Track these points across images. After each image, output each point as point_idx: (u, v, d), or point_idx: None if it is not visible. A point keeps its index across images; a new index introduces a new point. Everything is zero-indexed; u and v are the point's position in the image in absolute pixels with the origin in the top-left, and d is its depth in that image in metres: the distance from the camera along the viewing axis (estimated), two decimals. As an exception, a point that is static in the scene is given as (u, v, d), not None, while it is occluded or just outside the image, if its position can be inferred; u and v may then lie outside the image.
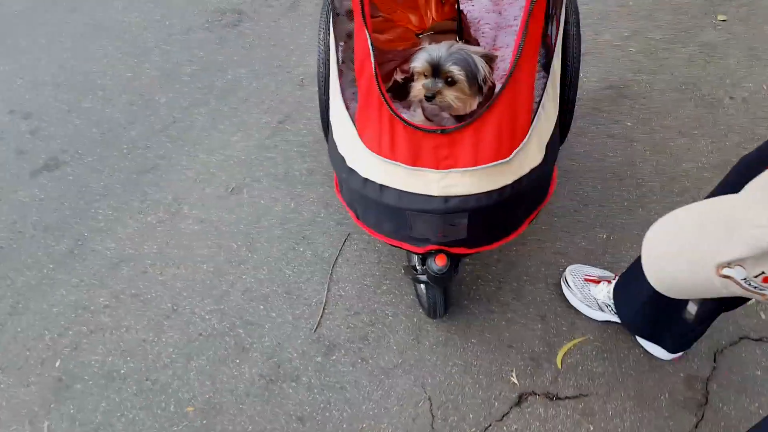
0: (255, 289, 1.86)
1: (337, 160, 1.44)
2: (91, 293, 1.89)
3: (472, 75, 1.33)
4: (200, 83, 2.55)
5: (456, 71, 1.32)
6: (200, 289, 1.87)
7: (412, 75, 1.43)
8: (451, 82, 1.34)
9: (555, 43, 1.45)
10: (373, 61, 1.28)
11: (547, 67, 1.45)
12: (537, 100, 1.38)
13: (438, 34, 1.55)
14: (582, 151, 2.14)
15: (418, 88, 1.37)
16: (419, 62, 1.35)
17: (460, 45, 1.39)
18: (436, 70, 1.33)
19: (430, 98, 1.34)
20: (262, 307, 1.83)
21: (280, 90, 2.50)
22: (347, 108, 1.41)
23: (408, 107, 1.65)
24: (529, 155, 1.33)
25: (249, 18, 2.86)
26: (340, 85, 1.45)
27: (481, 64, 1.34)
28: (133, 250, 2.00)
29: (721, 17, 2.55)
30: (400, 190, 1.31)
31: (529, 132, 1.31)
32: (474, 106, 1.38)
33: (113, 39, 2.82)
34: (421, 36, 1.58)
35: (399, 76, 1.60)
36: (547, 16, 1.34)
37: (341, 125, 1.42)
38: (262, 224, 2.03)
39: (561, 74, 1.56)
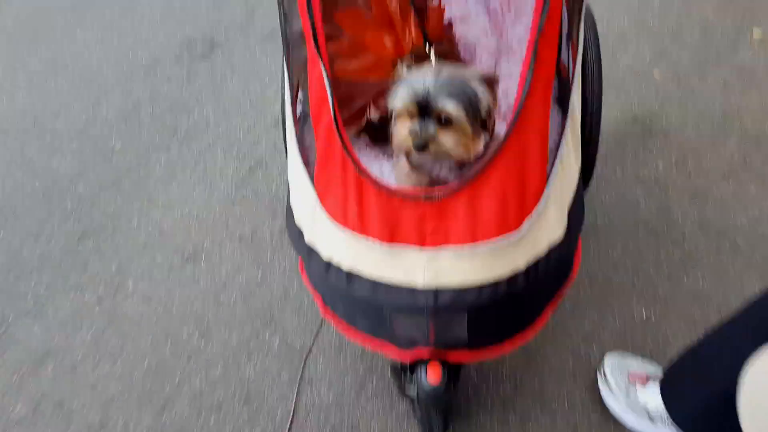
0: (206, 394, 1.38)
1: (293, 234, 1.01)
2: (5, 402, 1.42)
3: (473, 109, 0.93)
4: (162, 125, 2.09)
5: (452, 108, 0.91)
6: (138, 394, 1.39)
7: (391, 113, 1.03)
8: (446, 123, 0.93)
9: (573, 72, 1.01)
10: (331, 101, 0.85)
11: (562, 103, 1.02)
12: (552, 146, 0.95)
13: (421, 60, 1.12)
14: (607, 200, 1.65)
15: (402, 135, 0.96)
16: (400, 99, 0.94)
17: (450, 68, 0.97)
18: (424, 108, 0.92)
19: (421, 148, 0.94)
20: (213, 420, 1.34)
21: (254, 130, 2.03)
22: (306, 163, 0.96)
23: (390, 155, 1.19)
24: (547, 226, 0.91)
25: (222, 48, 2.39)
26: (296, 132, 1.01)
27: (483, 91, 0.93)
28: (62, 339, 1.53)
29: (757, 34, 2.07)
30: (375, 280, 0.89)
31: (545, 193, 0.89)
32: (480, 149, 0.98)
33: (71, 77, 2.36)
34: (399, 64, 1.13)
35: (374, 115, 1.15)
36: (560, 37, 0.89)
37: (298, 187, 1.00)
38: (220, 302, 1.55)
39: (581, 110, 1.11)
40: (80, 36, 2.57)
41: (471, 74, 0.97)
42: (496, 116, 1.19)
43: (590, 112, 1.31)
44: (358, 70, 1.16)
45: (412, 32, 1.15)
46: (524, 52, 1.28)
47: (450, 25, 1.31)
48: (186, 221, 1.77)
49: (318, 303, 1.12)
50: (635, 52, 2.07)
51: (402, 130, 0.97)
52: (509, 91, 1.18)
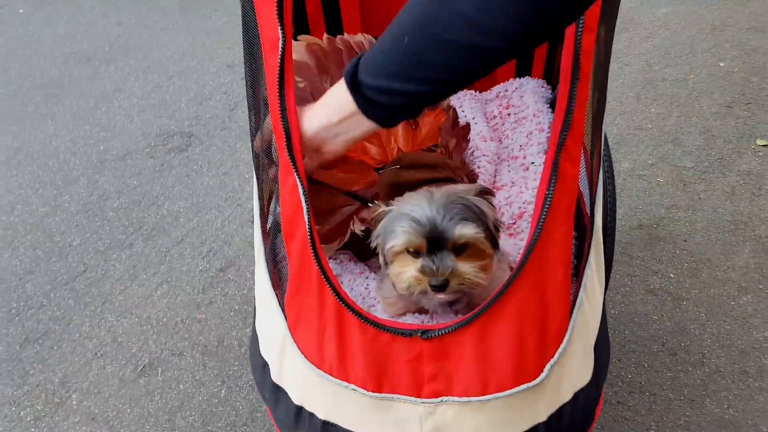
0: None
1: (257, 366, 0.96)
2: None
3: (484, 225, 0.90)
4: (127, 220, 2.12)
5: (470, 231, 0.86)
6: None
7: (383, 251, 0.98)
8: (459, 250, 0.88)
9: (596, 185, 1.02)
10: (306, 216, 0.84)
11: (578, 221, 1.01)
12: (572, 271, 0.91)
13: (406, 169, 1.11)
14: (617, 313, 1.67)
15: (409, 277, 0.89)
16: (403, 235, 0.88)
17: (444, 188, 0.94)
18: (436, 240, 0.86)
19: (442, 287, 0.87)
20: None
21: (227, 228, 2.07)
22: (275, 285, 0.95)
23: (376, 270, 1.19)
24: (572, 368, 0.85)
25: (200, 142, 2.51)
26: (265, 247, 1.00)
27: (484, 204, 0.91)
28: (-16, 466, 1.44)
29: (761, 142, 2.22)
30: None
31: (569, 330, 0.84)
32: (496, 268, 0.95)
33: (34, 166, 2.44)
34: (382, 171, 1.16)
35: (358, 227, 1.15)
36: (583, 148, 0.90)
37: (265, 311, 0.95)
38: (176, 424, 1.48)
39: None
40: (50, 125, 2.69)
41: (465, 189, 0.95)
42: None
43: (606, 227, 1.29)
44: (339, 179, 1.17)
45: (399, 139, 1.20)
46: (526, 157, 1.37)
47: (452, 128, 1.32)
48: (143, 327, 1.74)
49: None
50: (635, 157, 2.21)
51: (407, 271, 0.90)
52: (512, 200, 1.23)
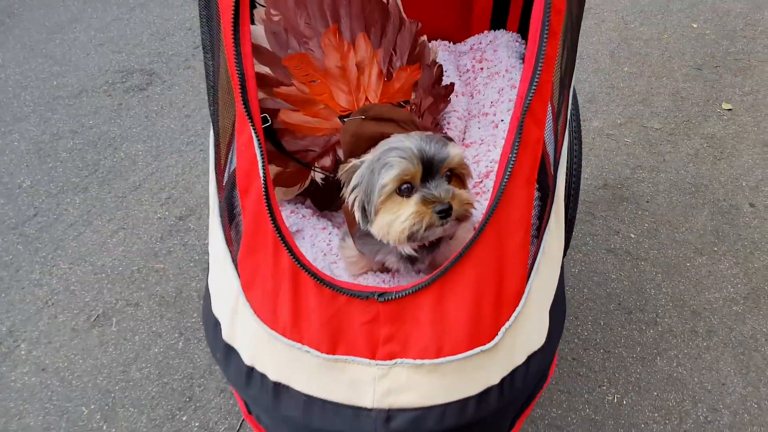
0: (103, 488, 1.25)
1: (208, 324, 0.91)
2: None
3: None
4: (81, 162, 2.00)
5: (460, 152, 0.89)
6: (17, 488, 1.24)
7: (335, 170, 0.96)
8: (449, 178, 0.89)
9: (559, 148, 0.97)
10: (262, 172, 0.77)
11: (542, 182, 0.97)
12: (532, 232, 0.88)
13: (370, 120, 1.05)
14: (577, 272, 1.66)
15: (412, 213, 0.87)
16: (395, 167, 0.85)
17: (411, 133, 0.92)
18: (428, 167, 0.86)
19: (447, 212, 0.86)
20: None
21: (188, 173, 1.96)
22: (229, 241, 0.88)
23: (340, 226, 1.13)
24: (527, 332, 0.83)
25: (161, 81, 2.35)
26: (219, 200, 0.92)
27: (454, 146, 0.90)
28: (-72, 415, 1.36)
29: (726, 106, 2.21)
30: (308, 396, 0.78)
31: (525, 293, 0.82)
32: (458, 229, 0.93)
33: (-20, 100, 2.26)
34: (346, 119, 1.09)
35: (318, 176, 1.09)
36: (548, 113, 0.84)
37: (218, 268, 0.89)
38: (131, 376, 1.43)
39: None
40: (0, 55, 2.49)
41: (428, 135, 0.92)
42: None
43: (570, 188, 1.27)
44: (303, 121, 1.11)
45: (372, 88, 1.12)
46: (496, 114, 1.30)
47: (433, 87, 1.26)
48: (98, 276, 1.65)
49: (240, 405, 1.02)
50: (605, 116, 2.17)
51: (404, 211, 0.87)
52: (480, 158, 1.17)
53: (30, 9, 2.76)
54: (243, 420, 1.35)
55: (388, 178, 0.85)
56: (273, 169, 1.12)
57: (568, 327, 1.54)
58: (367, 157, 0.90)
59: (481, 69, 1.30)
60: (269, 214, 0.78)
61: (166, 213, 1.83)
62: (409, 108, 1.15)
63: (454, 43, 1.42)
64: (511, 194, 0.78)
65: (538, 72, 0.74)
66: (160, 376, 1.43)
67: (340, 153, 1.08)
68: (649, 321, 1.56)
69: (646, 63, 2.43)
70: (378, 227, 0.90)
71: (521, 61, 1.31)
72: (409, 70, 1.17)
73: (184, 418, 1.36)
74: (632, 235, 1.76)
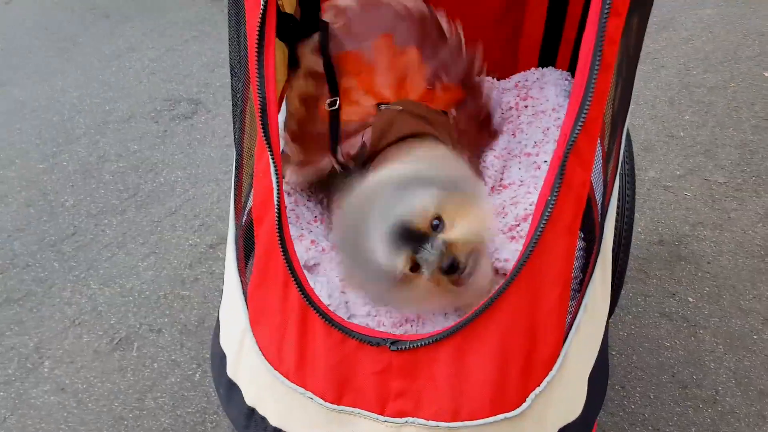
0: None
1: (215, 356, 0.87)
2: None
3: (452, 184, 0.84)
4: (123, 185, 2.03)
5: (430, 196, 0.80)
6: None
7: (355, 158, 0.94)
8: (437, 226, 0.80)
9: (609, 194, 0.88)
10: (277, 201, 0.73)
11: (587, 231, 0.88)
12: (574, 286, 0.79)
13: (408, 114, 1.04)
14: (625, 335, 1.53)
15: (425, 288, 0.80)
16: (397, 261, 0.77)
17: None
18: (408, 231, 0.77)
19: (455, 268, 0.77)
20: None
21: (223, 202, 1.96)
22: (241, 271, 0.84)
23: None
24: (560, 401, 0.73)
25: (206, 110, 2.40)
26: (236, 223, 0.89)
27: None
28: (-56, 428, 1.36)
29: (801, 162, 2.05)
30: None
31: (561, 356, 0.72)
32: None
33: (38, 121, 2.36)
34: (383, 108, 1.07)
35: (340, 159, 1.06)
36: (596, 154, 0.76)
37: (230, 299, 0.86)
38: (145, 404, 1.39)
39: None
40: (60, 80, 2.60)
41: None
42: (502, 230, 1.09)
43: (620, 236, 1.17)
44: (341, 106, 1.10)
45: (412, 89, 1.10)
46: (539, 155, 1.23)
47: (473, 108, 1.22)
48: (125, 299, 1.65)
49: None
50: (663, 166, 2.05)
51: (416, 285, 0.79)
52: (518, 200, 1.10)
53: (93, 37, 2.91)
54: (252, 466, 1.28)
55: (395, 269, 0.79)
56: (294, 149, 1.12)
57: (613, 397, 1.40)
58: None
59: (526, 107, 1.23)
60: (280, 246, 0.73)
61: (198, 240, 1.82)
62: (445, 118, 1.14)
63: (498, 80, 1.36)
64: (548, 243, 0.69)
65: (586, 107, 0.66)
66: (174, 408, 1.39)
67: (366, 138, 1.05)
68: (707, 398, 1.41)
69: (710, 112, 2.30)
70: (405, 299, 0.85)
71: (570, 100, 1.25)
72: (452, 89, 1.15)
73: (191, 458, 1.30)
74: (690, 299, 1.62)
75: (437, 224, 0.78)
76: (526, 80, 1.31)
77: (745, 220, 1.85)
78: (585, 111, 0.67)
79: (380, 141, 1.00)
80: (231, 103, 0.94)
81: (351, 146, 1.06)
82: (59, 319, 1.60)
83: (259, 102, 0.74)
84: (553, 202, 0.68)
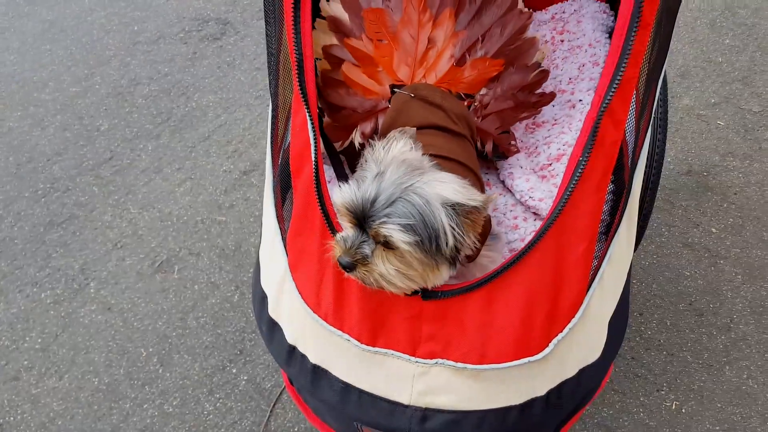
0: (156, 429, 1.29)
1: (256, 296, 0.90)
2: (-70, 405, 1.35)
3: (429, 238, 0.69)
4: (156, 109, 2.02)
5: (397, 233, 0.68)
6: (81, 418, 1.31)
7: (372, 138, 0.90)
8: (388, 245, 0.71)
9: (640, 145, 0.85)
10: (314, 156, 0.72)
11: (618, 178, 0.86)
12: (601, 229, 0.78)
13: (420, 101, 0.95)
14: (647, 264, 1.53)
15: (336, 240, 0.74)
16: (339, 198, 0.71)
17: (419, 172, 0.71)
18: (361, 221, 0.71)
19: (346, 267, 0.72)
20: (157, 464, 1.26)
21: (254, 128, 1.95)
22: (280, 218, 0.85)
23: None
24: (581, 345, 0.77)
25: (235, 31, 2.32)
26: (274, 173, 0.89)
27: (449, 224, 0.68)
28: (9, 341, 1.45)
29: (843, 90, 1.93)
30: (346, 383, 0.77)
31: (584, 304, 0.74)
32: (438, 282, 0.74)
33: (68, 41, 2.31)
34: (397, 90, 1.01)
35: (358, 139, 1.03)
36: (630, 112, 0.72)
37: (269, 244, 0.88)
38: (188, 324, 1.47)
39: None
40: (87, 0, 2.53)
41: (448, 191, 0.70)
42: (533, 170, 1.05)
43: (648, 181, 1.15)
44: (359, 81, 1.04)
45: (433, 68, 1.02)
46: (574, 93, 1.16)
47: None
48: (164, 223, 1.68)
49: (283, 374, 1.02)
50: (698, 93, 1.95)
51: (340, 234, 0.75)
52: (551, 139, 1.06)
53: (118, -49, 2.78)
54: (289, 380, 1.36)
55: (333, 200, 0.74)
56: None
57: (631, 324, 1.43)
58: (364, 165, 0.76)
59: (561, 41, 1.17)
60: (318, 200, 0.74)
61: (232, 166, 1.83)
62: (469, 103, 1.05)
63: (534, 10, 1.27)
64: (577, 201, 0.70)
65: (622, 68, 0.64)
66: (215, 327, 1.46)
67: (381, 121, 1.02)
68: (721, 326, 1.43)
69: (751, 36, 2.16)
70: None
71: (608, 35, 1.16)
72: (488, 63, 1.05)
73: (234, 371, 1.38)
74: (714, 230, 1.60)
75: (385, 242, 0.70)
76: (563, 12, 1.22)
77: (777, 151, 1.78)
78: (620, 72, 0.65)
79: (389, 129, 0.91)
80: (264, 27, 0.90)
81: (365, 127, 1.04)
82: (102, 242, 1.65)
83: (295, 57, 0.72)
84: (584, 162, 0.68)
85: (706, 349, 1.39)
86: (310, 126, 0.73)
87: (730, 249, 1.56)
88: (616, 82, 0.65)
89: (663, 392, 1.32)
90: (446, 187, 0.69)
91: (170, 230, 1.67)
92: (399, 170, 0.69)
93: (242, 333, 1.45)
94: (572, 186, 0.68)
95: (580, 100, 1.07)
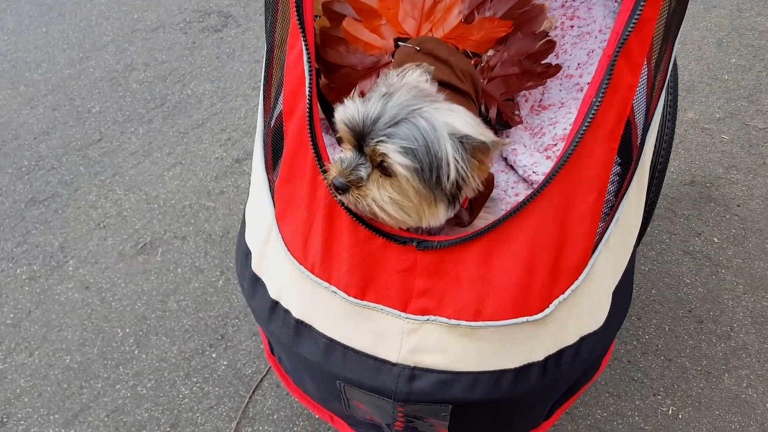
0: (129, 410, 1.27)
1: (240, 252, 0.89)
2: None
3: (430, 167, 0.69)
4: (150, 94, 2.04)
5: (395, 154, 0.67)
6: (50, 395, 1.29)
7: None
8: (386, 172, 0.71)
9: (653, 109, 0.87)
10: (308, 89, 0.72)
11: (625, 147, 0.87)
12: (608, 201, 0.79)
13: (425, 55, 0.94)
14: (647, 270, 1.54)
15: (333, 162, 0.75)
16: (341, 118, 0.72)
17: (430, 99, 0.72)
18: (360, 141, 0.71)
19: (339, 188, 0.72)
20: (126, 445, 1.23)
21: (250, 118, 1.96)
22: (269, 168, 0.85)
23: None
24: (583, 310, 0.75)
25: (236, 24, 2.36)
26: (264, 121, 0.89)
27: (454, 156, 0.68)
28: (-23, 314, 1.44)
29: None
30: (330, 339, 0.74)
31: (588, 266, 0.73)
32: (433, 222, 0.76)
33: (65, 25, 2.34)
34: (402, 44, 1.00)
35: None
36: (646, 59, 0.73)
37: (255, 196, 0.87)
38: (168, 306, 1.45)
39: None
40: (85, -15, 2.57)
41: (457, 122, 0.70)
42: (538, 150, 1.05)
43: (655, 167, 1.15)
44: (360, 36, 1.02)
45: (441, 23, 1.03)
46: (582, 76, 1.19)
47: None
48: (150, 205, 1.68)
49: (265, 345, 1.00)
50: (703, 108, 1.99)
51: (338, 156, 0.75)
52: (557, 120, 1.08)
53: (122, -57, 2.84)
54: (269, 368, 1.34)
55: (336, 119, 0.73)
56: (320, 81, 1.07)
57: (628, 327, 1.43)
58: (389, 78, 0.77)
59: (571, 27, 1.20)
60: (310, 137, 0.73)
61: (224, 154, 1.84)
62: (476, 62, 1.07)
63: (544, -1, 1.32)
64: (588, 147, 0.69)
65: (641, 5, 0.64)
66: (197, 311, 1.45)
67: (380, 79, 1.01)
68: (721, 334, 1.43)
69: (757, 56, 2.22)
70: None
71: (617, 23, 1.20)
72: (496, 23, 1.07)
73: (213, 355, 1.36)
74: (715, 240, 1.62)
75: (385, 169, 0.71)
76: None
77: (781, 167, 1.82)
78: (639, 9, 0.65)
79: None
80: (264, 10, 0.91)
81: (365, 85, 1.03)
82: (84, 221, 1.65)
83: None
84: (598, 103, 0.67)
85: (705, 356, 1.39)
86: (306, 58, 0.72)
87: (731, 259, 1.58)
88: (635, 18, 0.64)
89: (659, 397, 1.32)
90: (457, 118, 0.68)
91: (156, 213, 1.67)
92: (409, 93, 0.68)
93: (225, 318, 1.43)
94: (584, 128, 0.66)
95: (588, 83, 1.09)
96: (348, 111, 0.69)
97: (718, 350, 1.40)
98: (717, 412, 1.30)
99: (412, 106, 0.68)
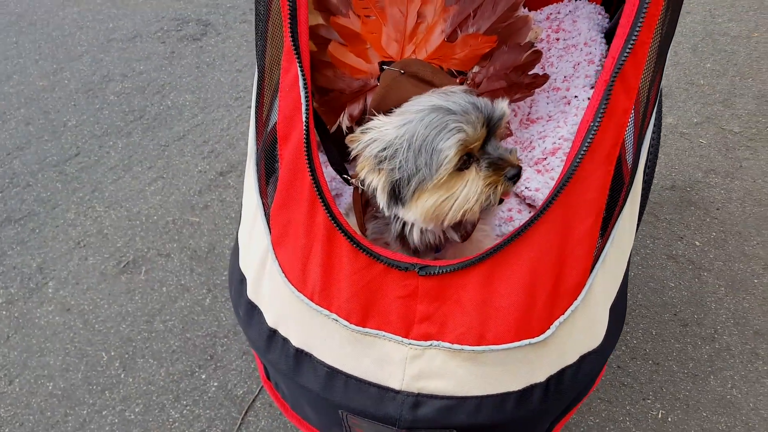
0: (115, 436, 1.24)
1: (234, 278, 0.87)
2: None
3: None
4: (128, 106, 1.99)
5: (506, 104, 0.79)
6: (32, 424, 1.24)
7: (360, 121, 0.88)
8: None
9: (646, 125, 0.87)
10: (305, 116, 0.71)
11: (616, 170, 0.87)
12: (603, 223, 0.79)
13: (410, 77, 0.94)
14: (632, 275, 1.56)
15: (480, 185, 0.77)
16: (455, 134, 0.74)
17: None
18: (490, 130, 0.77)
19: (518, 176, 0.81)
20: (115, 473, 1.19)
21: (233, 129, 1.93)
22: (263, 193, 0.83)
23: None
24: (582, 330, 0.75)
25: (216, 33, 2.32)
26: (257, 145, 0.87)
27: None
28: (-47, 340, 1.38)
29: (818, 114, 2.03)
30: (332, 368, 0.73)
31: (587, 286, 0.73)
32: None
33: (37, 35, 2.27)
34: (386, 68, 0.99)
35: (346, 122, 1.02)
36: (641, 82, 0.74)
37: (250, 221, 0.85)
38: (154, 327, 1.42)
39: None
40: (57, -6, 2.50)
41: (468, 90, 0.81)
42: (528, 164, 1.05)
43: (643, 180, 1.18)
44: (346, 60, 1.01)
45: (424, 43, 1.02)
46: (570, 89, 1.19)
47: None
48: (132, 222, 1.64)
49: (260, 369, 0.98)
50: (681, 113, 2.02)
51: (468, 184, 0.76)
52: (546, 134, 1.08)
53: (93, -50, 2.77)
54: (262, 387, 1.32)
55: (450, 151, 0.73)
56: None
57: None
58: (393, 122, 0.78)
59: (557, 40, 1.20)
60: (308, 164, 0.72)
61: (207, 167, 1.80)
62: (461, 80, 1.06)
63: (529, 11, 1.31)
64: (586, 171, 0.69)
65: (636, 30, 0.64)
66: (184, 331, 1.41)
67: (368, 102, 1.00)
68: (706, 336, 1.45)
69: (731, 61, 2.26)
70: (422, 210, 0.77)
71: (602, 35, 1.20)
72: (480, 39, 1.05)
73: (203, 377, 1.33)
74: (697, 243, 1.64)
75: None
76: (558, 12, 1.27)
77: (756, 170, 1.85)
78: (635, 35, 0.65)
79: (379, 108, 0.91)
80: (253, 12, 0.88)
81: (353, 109, 1.02)
82: (63, 240, 1.60)
83: (288, 6, 0.70)
84: (595, 127, 0.67)
85: (691, 358, 1.41)
86: (301, 83, 0.71)
87: (713, 262, 1.60)
88: (630, 44, 0.65)
89: (649, 401, 1.33)
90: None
91: (138, 230, 1.62)
92: (456, 89, 0.77)
93: (213, 338, 1.40)
94: (582, 152, 0.67)
95: (576, 96, 1.09)
96: (474, 116, 0.75)
97: (703, 352, 1.42)
98: (704, 414, 1.31)
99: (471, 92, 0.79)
